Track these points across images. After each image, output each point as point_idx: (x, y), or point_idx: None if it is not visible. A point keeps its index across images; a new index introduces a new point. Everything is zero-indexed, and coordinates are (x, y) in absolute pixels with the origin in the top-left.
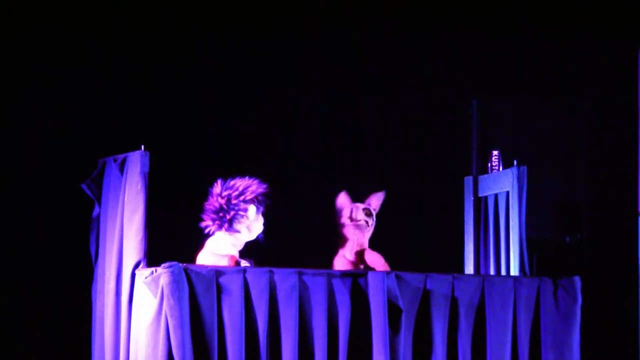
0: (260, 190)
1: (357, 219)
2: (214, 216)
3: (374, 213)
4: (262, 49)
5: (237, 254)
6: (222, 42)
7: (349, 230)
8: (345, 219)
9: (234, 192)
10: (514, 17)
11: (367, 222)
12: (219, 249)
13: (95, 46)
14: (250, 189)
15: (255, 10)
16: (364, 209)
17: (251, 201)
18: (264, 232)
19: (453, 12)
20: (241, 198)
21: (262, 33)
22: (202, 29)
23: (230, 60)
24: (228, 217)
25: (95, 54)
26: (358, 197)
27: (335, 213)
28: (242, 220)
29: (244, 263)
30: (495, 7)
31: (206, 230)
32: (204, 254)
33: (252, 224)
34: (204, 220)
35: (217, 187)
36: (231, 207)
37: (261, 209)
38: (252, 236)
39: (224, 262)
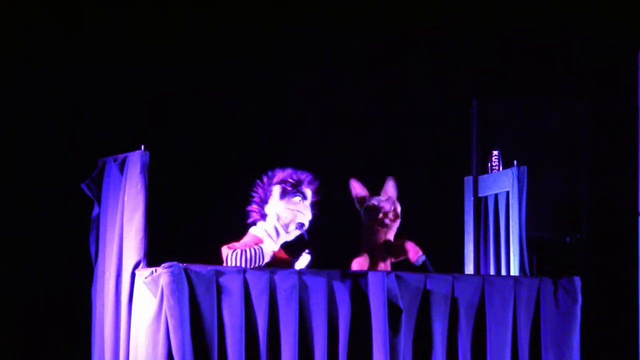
0: (287, 175)
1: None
2: (254, 204)
3: (397, 206)
4: (262, 48)
5: (273, 245)
6: (221, 42)
7: (376, 232)
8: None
9: (269, 178)
10: (514, 17)
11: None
12: (256, 233)
13: (95, 46)
14: (281, 174)
15: (254, 10)
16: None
17: (277, 184)
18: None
19: (453, 12)
20: (271, 182)
21: (261, 32)
22: (202, 29)
23: (229, 59)
24: (259, 200)
25: (96, 54)
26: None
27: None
28: (270, 201)
29: (306, 256)
30: (495, 7)
31: (249, 220)
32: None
33: (280, 209)
34: (250, 211)
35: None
36: (264, 190)
37: (292, 194)
38: (288, 220)
39: (248, 239)
